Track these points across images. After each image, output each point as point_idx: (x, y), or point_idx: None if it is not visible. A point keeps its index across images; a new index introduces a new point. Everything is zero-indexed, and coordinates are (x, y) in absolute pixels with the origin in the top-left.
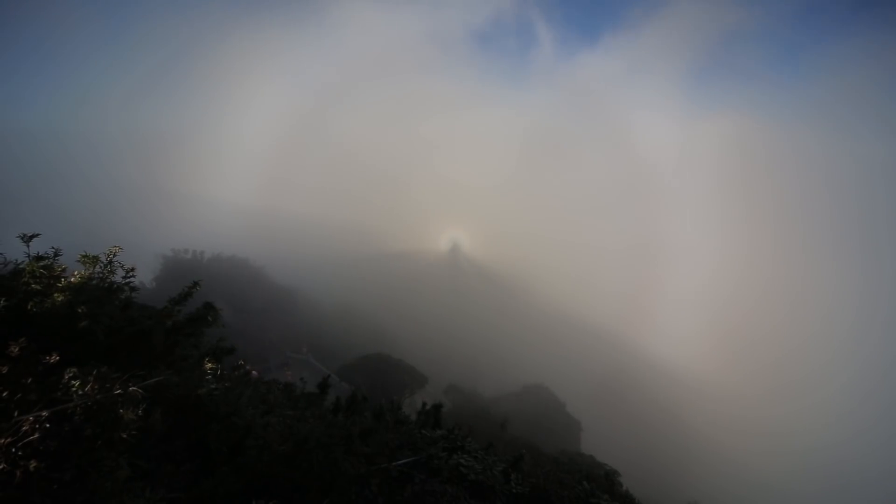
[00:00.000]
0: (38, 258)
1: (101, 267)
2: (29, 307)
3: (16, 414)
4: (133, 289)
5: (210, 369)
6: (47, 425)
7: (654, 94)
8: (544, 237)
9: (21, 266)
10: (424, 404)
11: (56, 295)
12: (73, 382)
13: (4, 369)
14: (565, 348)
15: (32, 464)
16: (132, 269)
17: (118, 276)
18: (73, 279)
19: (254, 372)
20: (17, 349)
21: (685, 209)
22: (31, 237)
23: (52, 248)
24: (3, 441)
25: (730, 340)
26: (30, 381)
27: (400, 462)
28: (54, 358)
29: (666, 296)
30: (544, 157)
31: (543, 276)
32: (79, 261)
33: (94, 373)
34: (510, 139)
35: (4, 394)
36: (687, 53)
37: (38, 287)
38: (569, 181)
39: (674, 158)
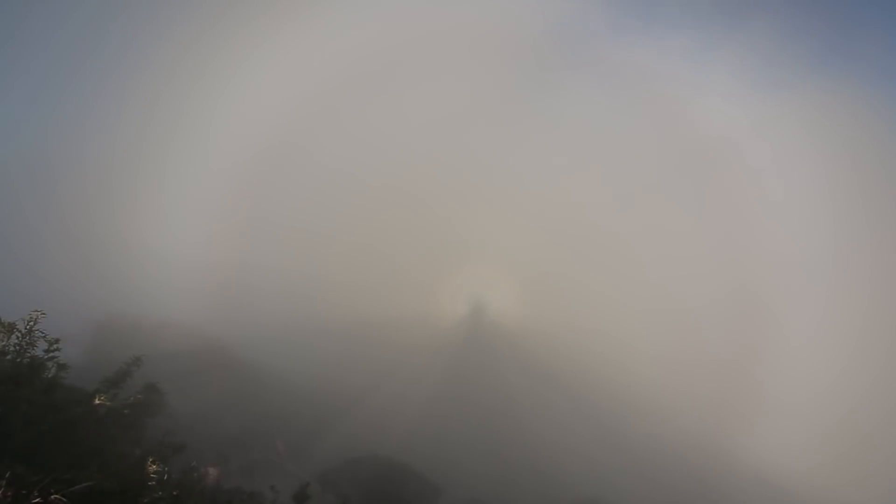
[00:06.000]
0: None
1: (18, 338)
2: None
3: None
4: (62, 367)
5: (154, 473)
6: None
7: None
8: (601, 295)
9: None
10: None
11: None
12: None
13: None
14: (632, 455)
15: None
16: (57, 341)
17: (40, 349)
18: None
19: (211, 477)
20: None
21: (797, 257)
22: None
23: None
24: None
25: (868, 447)
26: None
27: None
28: None
29: (774, 383)
30: (600, 179)
31: (601, 353)
32: None
33: (8, 475)
34: (545, 156)
35: None
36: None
37: None
38: (637, 208)
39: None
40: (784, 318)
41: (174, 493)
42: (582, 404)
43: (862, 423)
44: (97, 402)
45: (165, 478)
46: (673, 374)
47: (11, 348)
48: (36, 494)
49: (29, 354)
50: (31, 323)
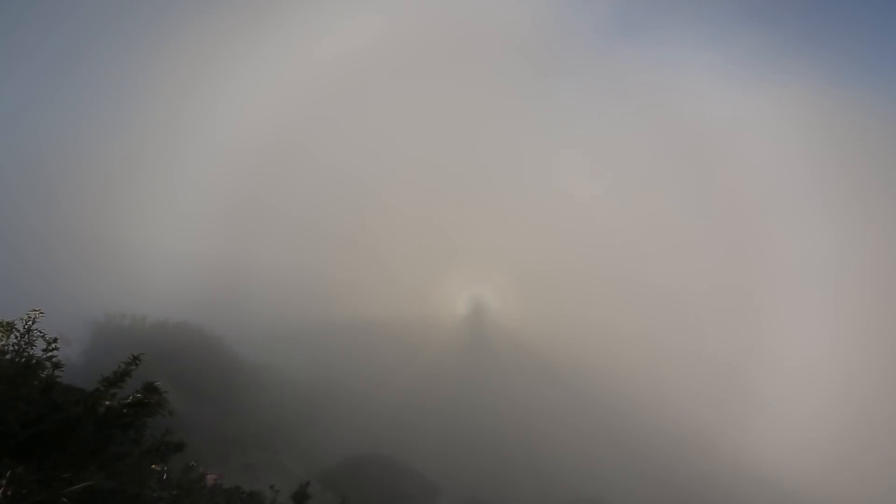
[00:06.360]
0: None
1: (16, 337)
2: None
3: None
4: (57, 365)
5: (154, 472)
6: None
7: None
8: (601, 295)
9: None
10: None
11: None
12: None
13: None
14: (633, 452)
15: None
16: (56, 340)
17: (38, 349)
18: None
19: (210, 476)
20: None
21: (793, 251)
22: None
23: None
24: None
25: (869, 446)
26: None
27: None
28: None
29: (774, 382)
30: (597, 174)
31: (601, 351)
32: None
33: (7, 475)
34: (544, 158)
35: None
36: None
37: None
38: (635, 207)
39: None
40: (785, 318)
41: (174, 492)
42: (582, 401)
43: (862, 422)
44: (96, 401)
45: (165, 478)
46: (674, 372)
47: (10, 348)
48: (36, 494)
49: (27, 354)
50: (30, 322)
